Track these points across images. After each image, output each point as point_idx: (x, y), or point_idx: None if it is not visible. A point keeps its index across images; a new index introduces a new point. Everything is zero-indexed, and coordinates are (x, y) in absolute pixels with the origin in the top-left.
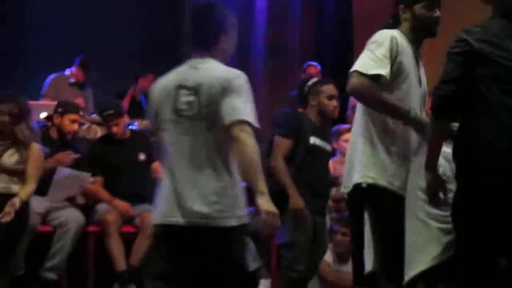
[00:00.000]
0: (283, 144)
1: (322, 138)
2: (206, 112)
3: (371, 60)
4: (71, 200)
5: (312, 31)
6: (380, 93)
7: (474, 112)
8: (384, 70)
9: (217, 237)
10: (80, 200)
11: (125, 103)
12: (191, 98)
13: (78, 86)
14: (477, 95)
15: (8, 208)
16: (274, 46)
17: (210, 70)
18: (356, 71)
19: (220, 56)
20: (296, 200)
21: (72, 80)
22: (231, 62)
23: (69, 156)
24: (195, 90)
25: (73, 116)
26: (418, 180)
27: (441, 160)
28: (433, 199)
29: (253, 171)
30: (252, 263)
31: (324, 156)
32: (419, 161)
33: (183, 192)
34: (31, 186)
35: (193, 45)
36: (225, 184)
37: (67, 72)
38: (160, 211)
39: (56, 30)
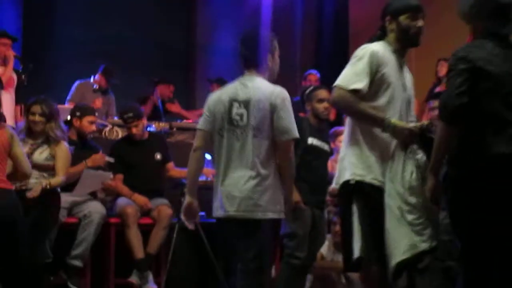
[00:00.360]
0: None
1: (320, 138)
2: (255, 122)
3: (351, 74)
4: (92, 194)
5: (312, 43)
6: (358, 105)
7: (476, 122)
8: (362, 84)
9: (258, 227)
10: (101, 195)
11: (147, 110)
12: (242, 110)
13: (101, 92)
14: (479, 107)
15: (36, 187)
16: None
17: (257, 87)
18: (338, 86)
19: (268, 73)
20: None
21: (95, 86)
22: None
23: (104, 157)
24: (245, 103)
25: (90, 118)
26: (395, 184)
27: (411, 167)
28: (434, 200)
29: (289, 183)
30: None
31: (322, 155)
32: (396, 165)
33: (232, 190)
34: (60, 177)
35: (244, 65)
36: (266, 183)
37: (91, 79)
38: (216, 206)
39: (79, 40)
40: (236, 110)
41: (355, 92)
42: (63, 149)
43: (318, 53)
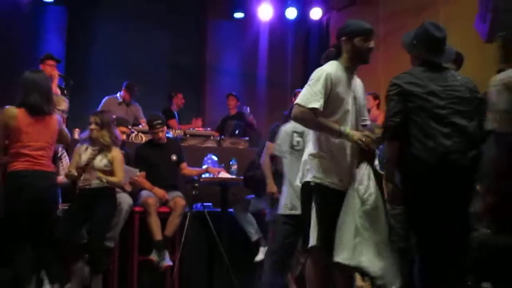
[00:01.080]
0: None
1: None
2: (304, 146)
3: (309, 94)
4: (121, 188)
5: (300, 68)
6: (315, 119)
7: (410, 135)
8: (318, 103)
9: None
10: (128, 189)
11: (174, 125)
12: (299, 138)
13: (125, 104)
14: (412, 122)
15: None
16: (272, 79)
17: None
18: (298, 104)
19: None
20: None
21: (120, 99)
22: (244, 90)
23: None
24: (301, 134)
25: (123, 129)
26: (358, 192)
27: (369, 173)
28: (394, 202)
29: None
30: (255, 234)
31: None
32: (357, 174)
33: (295, 192)
34: (118, 177)
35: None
36: None
37: (118, 94)
38: (284, 205)
39: (110, 61)
40: (296, 138)
41: (313, 110)
42: (117, 154)
43: (305, 75)
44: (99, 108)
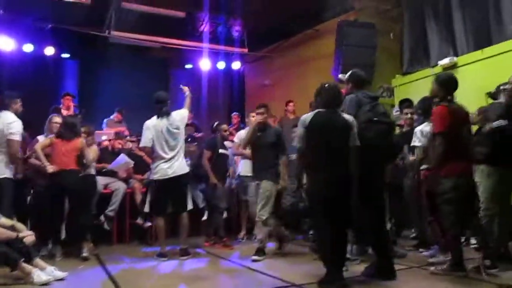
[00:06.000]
0: (207, 153)
1: (224, 148)
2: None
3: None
4: (117, 177)
5: (227, 99)
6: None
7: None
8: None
9: None
10: (123, 175)
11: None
12: None
13: (119, 123)
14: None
15: None
16: (210, 105)
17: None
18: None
19: None
20: (213, 179)
21: (116, 120)
22: (193, 113)
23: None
24: None
25: (119, 141)
26: None
27: None
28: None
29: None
30: (201, 203)
31: (225, 156)
32: None
33: None
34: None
35: None
36: None
37: (113, 116)
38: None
39: (108, 95)
40: None
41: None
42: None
43: (230, 104)
44: (104, 125)
